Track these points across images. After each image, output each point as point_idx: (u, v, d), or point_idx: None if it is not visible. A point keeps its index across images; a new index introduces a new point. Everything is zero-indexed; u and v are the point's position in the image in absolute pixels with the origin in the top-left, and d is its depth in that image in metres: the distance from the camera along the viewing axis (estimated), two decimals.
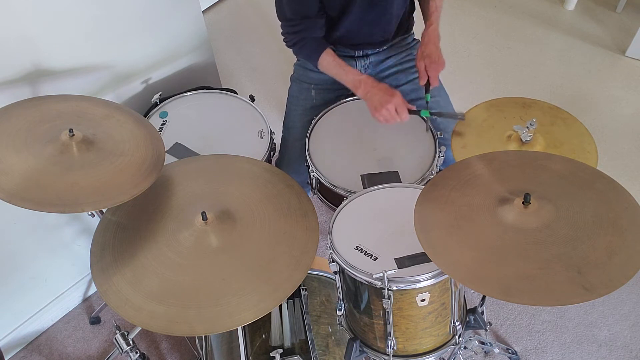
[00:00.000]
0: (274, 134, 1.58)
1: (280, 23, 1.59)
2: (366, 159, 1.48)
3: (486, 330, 1.59)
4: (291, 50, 1.64)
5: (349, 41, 1.65)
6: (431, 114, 1.48)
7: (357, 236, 1.23)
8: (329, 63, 1.54)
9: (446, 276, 1.14)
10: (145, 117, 1.63)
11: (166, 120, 1.62)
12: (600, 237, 0.96)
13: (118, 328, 1.21)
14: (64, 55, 1.51)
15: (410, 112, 1.44)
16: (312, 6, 1.50)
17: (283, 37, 1.60)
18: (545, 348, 1.78)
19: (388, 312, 1.16)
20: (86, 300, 1.97)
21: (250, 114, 1.64)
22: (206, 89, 1.72)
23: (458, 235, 1.02)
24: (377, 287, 1.14)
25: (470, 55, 2.77)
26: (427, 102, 1.53)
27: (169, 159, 1.48)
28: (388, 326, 1.19)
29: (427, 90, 1.54)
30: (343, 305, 1.31)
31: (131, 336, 1.23)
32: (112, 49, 1.62)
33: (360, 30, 1.60)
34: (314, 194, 1.56)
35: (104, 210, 1.26)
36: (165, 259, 1.12)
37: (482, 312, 1.50)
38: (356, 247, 1.21)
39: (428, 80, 1.53)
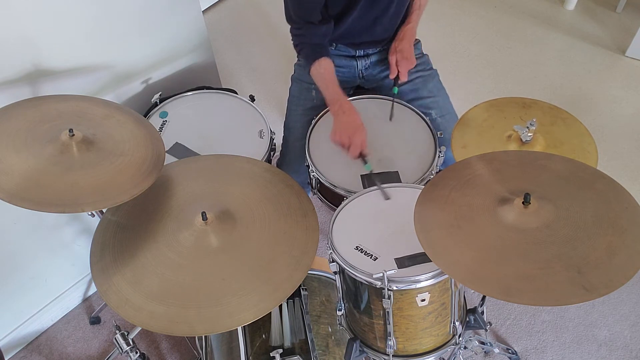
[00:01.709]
0: (274, 134, 1.58)
1: (285, 20, 1.60)
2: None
3: (486, 330, 1.59)
4: (292, 47, 1.65)
5: (350, 40, 1.65)
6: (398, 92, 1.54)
7: (357, 236, 1.23)
8: (318, 73, 1.56)
9: (446, 276, 1.14)
10: (145, 117, 1.63)
11: (166, 120, 1.62)
12: (600, 237, 0.96)
13: (118, 328, 1.21)
14: (64, 55, 1.51)
15: (362, 155, 1.44)
16: (315, 12, 1.52)
17: (291, 37, 1.62)
18: (545, 348, 1.78)
19: (388, 312, 1.16)
20: (86, 300, 1.97)
21: (250, 114, 1.64)
22: (206, 89, 1.72)
23: (458, 235, 1.02)
24: (377, 287, 1.14)
25: (470, 55, 2.77)
26: (394, 94, 1.58)
27: (169, 159, 1.48)
28: (388, 326, 1.19)
29: (395, 84, 1.59)
30: (343, 305, 1.31)
31: (131, 336, 1.23)
32: (112, 49, 1.62)
33: (363, 29, 1.60)
34: (314, 194, 1.56)
35: (104, 210, 1.26)
36: (165, 259, 1.12)
37: (482, 312, 1.50)
38: (356, 247, 1.21)
39: (398, 75, 1.59)
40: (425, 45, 1.76)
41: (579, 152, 1.31)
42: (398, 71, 1.59)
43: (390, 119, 1.57)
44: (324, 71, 1.55)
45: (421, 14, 1.66)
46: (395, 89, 1.59)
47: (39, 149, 1.16)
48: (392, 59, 1.60)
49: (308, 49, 1.58)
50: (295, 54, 1.77)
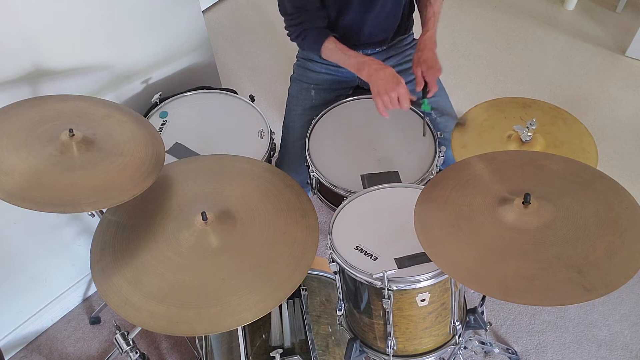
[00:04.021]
0: (274, 134, 1.58)
1: (282, 18, 1.59)
2: (366, 159, 1.48)
3: (486, 330, 1.59)
4: (292, 47, 1.64)
5: (348, 42, 1.65)
6: (432, 109, 1.46)
7: (357, 236, 1.23)
8: (331, 50, 1.53)
9: (446, 276, 1.14)
10: (145, 117, 1.63)
11: (166, 120, 1.62)
12: (600, 237, 0.96)
13: (118, 328, 1.21)
14: (64, 55, 1.51)
15: (412, 103, 1.42)
16: (312, 1, 1.50)
17: (287, 32, 1.60)
18: (545, 348, 1.78)
19: (388, 312, 1.16)
20: (86, 300, 1.97)
21: (250, 114, 1.64)
22: (206, 89, 1.72)
23: (458, 235, 1.02)
24: (377, 287, 1.14)
25: (470, 55, 2.77)
26: (423, 111, 1.51)
27: (169, 159, 1.48)
28: (388, 326, 1.19)
29: (424, 96, 1.50)
30: (343, 305, 1.31)
31: (131, 336, 1.23)
32: (112, 49, 1.62)
33: (360, 30, 1.60)
34: (314, 194, 1.56)
35: (104, 210, 1.26)
36: (165, 259, 1.12)
37: (482, 312, 1.50)
38: (356, 247, 1.21)
39: (425, 86, 1.51)
40: None
41: (579, 152, 1.31)
42: (425, 82, 1.51)
43: (424, 134, 1.52)
44: (336, 45, 1.52)
45: (437, 20, 1.61)
46: (425, 102, 1.46)
47: (39, 149, 1.16)
48: (418, 71, 1.51)
49: (313, 33, 1.54)
50: (295, 55, 1.78)
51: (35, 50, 1.43)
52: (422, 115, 1.53)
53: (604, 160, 2.21)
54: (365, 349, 1.30)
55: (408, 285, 1.13)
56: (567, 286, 0.90)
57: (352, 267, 1.16)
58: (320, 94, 1.72)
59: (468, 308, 1.34)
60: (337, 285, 1.27)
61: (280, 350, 1.25)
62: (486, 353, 1.76)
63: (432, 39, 1.57)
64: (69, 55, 1.52)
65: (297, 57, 1.77)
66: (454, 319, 1.25)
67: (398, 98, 1.39)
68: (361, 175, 1.43)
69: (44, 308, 1.86)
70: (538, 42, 2.82)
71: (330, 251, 1.21)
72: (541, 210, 1.01)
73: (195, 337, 1.70)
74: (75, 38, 1.51)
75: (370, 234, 1.23)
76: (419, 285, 1.13)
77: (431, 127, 1.53)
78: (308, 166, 1.50)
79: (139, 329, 1.77)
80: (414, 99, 1.43)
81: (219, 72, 2.04)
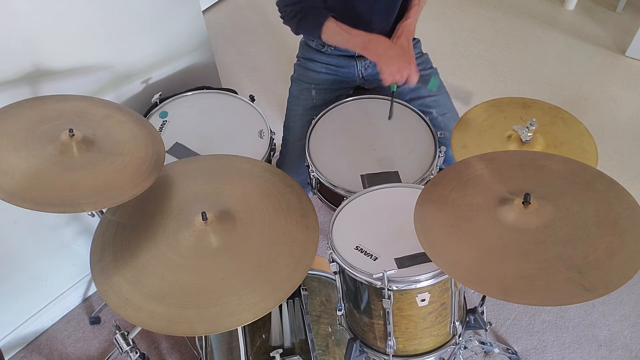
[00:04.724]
0: (274, 134, 1.58)
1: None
2: (366, 159, 1.48)
3: (486, 330, 1.59)
4: (292, 47, 1.63)
5: None
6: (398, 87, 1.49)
7: (357, 236, 1.23)
8: (333, 31, 1.50)
9: (446, 276, 1.14)
10: (145, 117, 1.63)
11: (166, 120, 1.62)
12: (600, 237, 0.96)
13: (118, 328, 1.21)
14: (64, 55, 1.51)
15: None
16: None
17: (280, 14, 1.56)
18: (545, 348, 1.78)
19: (388, 312, 1.16)
20: (86, 300, 1.97)
21: (250, 114, 1.64)
22: (206, 89, 1.72)
23: (458, 235, 1.02)
24: (377, 287, 1.14)
25: (471, 55, 2.77)
26: (392, 92, 1.55)
27: (169, 159, 1.48)
28: (388, 326, 1.19)
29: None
30: (343, 305, 1.31)
31: (131, 336, 1.23)
32: (112, 49, 1.62)
33: (358, 19, 1.58)
34: (314, 194, 1.56)
35: (104, 210, 1.26)
36: (165, 259, 1.12)
37: (482, 312, 1.50)
38: (356, 247, 1.21)
39: None
40: (425, 45, 1.76)
41: (579, 152, 1.31)
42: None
43: (390, 117, 1.56)
44: (337, 25, 1.49)
45: (420, 10, 1.62)
46: (394, 87, 1.53)
47: (39, 149, 1.16)
48: None
49: (311, 13, 1.51)
50: (295, 55, 1.78)
51: (35, 50, 1.43)
52: (391, 99, 1.56)
53: (604, 160, 2.21)
54: (365, 349, 1.30)
55: (408, 285, 1.13)
56: (567, 286, 0.90)
57: (352, 267, 1.16)
58: (320, 94, 1.72)
59: (468, 308, 1.34)
60: (337, 285, 1.27)
61: (280, 350, 1.25)
62: (486, 353, 1.76)
63: (410, 27, 1.59)
64: (69, 55, 1.52)
65: (297, 57, 1.77)
66: (454, 319, 1.25)
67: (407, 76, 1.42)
68: (361, 175, 1.43)
69: (44, 308, 1.86)
70: (538, 42, 2.82)
71: (330, 251, 1.21)
72: (541, 210, 1.01)
73: (195, 337, 1.70)
74: (75, 38, 1.51)
75: (370, 234, 1.23)
76: (419, 285, 1.13)
77: (431, 126, 1.53)
78: (308, 166, 1.50)
79: (139, 329, 1.77)
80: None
81: (219, 72, 2.04)
